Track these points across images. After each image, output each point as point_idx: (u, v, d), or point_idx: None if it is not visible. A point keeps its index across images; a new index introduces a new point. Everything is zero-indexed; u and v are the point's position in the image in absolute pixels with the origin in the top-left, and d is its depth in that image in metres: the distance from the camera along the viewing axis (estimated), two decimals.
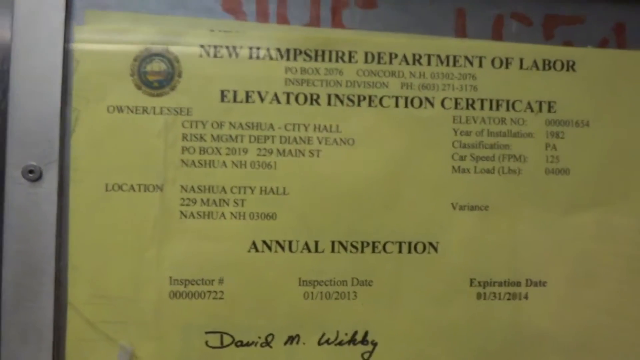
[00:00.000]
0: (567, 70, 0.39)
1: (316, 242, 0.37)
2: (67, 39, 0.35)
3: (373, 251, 0.37)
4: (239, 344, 0.36)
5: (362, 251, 0.37)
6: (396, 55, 0.38)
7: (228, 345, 0.36)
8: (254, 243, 0.36)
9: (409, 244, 0.37)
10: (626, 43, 0.40)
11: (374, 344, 0.37)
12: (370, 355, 0.37)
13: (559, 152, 0.39)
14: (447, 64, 0.38)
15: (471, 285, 0.38)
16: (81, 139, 0.35)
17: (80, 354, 0.35)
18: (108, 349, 0.35)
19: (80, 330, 0.35)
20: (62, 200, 0.35)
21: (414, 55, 0.38)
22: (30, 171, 0.35)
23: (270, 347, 0.36)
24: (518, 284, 0.38)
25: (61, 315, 0.35)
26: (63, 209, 0.35)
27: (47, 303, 0.35)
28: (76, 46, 0.35)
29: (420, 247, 0.38)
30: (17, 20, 0.35)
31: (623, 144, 0.39)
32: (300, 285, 0.37)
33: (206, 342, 0.36)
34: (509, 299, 0.38)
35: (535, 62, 0.39)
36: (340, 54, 0.37)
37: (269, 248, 0.36)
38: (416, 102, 0.38)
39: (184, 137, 0.36)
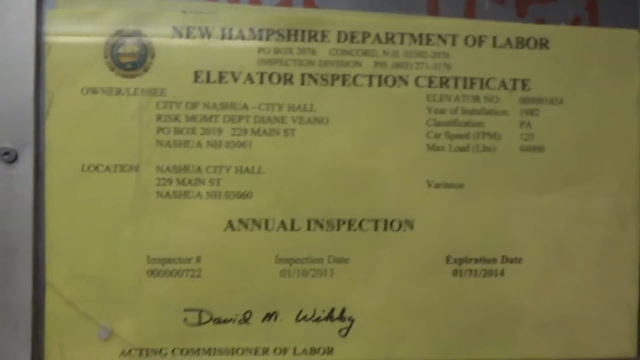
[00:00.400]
0: (541, 48, 0.39)
1: (292, 221, 0.37)
2: (39, 22, 0.36)
3: (349, 229, 0.38)
4: (217, 321, 0.37)
5: (338, 229, 0.37)
6: (369, 34, 0.38)
7: (206, 323, 0.37)
8: (230, 222, 0.37)
9: (385, 221, 0.38)
10: (599, 21, 0.40)
11: (352, 320, 0.37)
12: (347, 332, 0.37)
13: (534, 129, 0.39)
14: (420, 43, 0.38)
15: (447, 262, 0.38)
16: (56, 121, 0.36)
17: (60, 332, 0.36)
18: (87, 328, 0.36)
19: (59, 310, 0.36)
20: (39, 181, 0.36)
21: (387, 34, 0.38)
22: (6, 153, 0.35)
23: (248, 324, 0.37)
24: (494, 260, 0.39)
25: (40, 295, 0.36)
26: (39, 190, 0.36)
27: (25, 283, 0.35)
28: (48, 30, 0.36)
29: (396, 225, 0.38)
30: None
31: (596, 122, 0.39)
32: (277, 263, 0.37)
33: (184, 320, 0.36)
34: (484, 276, 0.38)
35: (508, 40, 0.39)
36: (312, 34, 0.38)
37: (245, 226, 0.37)
38: (390, 81, 0.38)
39: (159, 118, 0.36)
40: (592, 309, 0.39)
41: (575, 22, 0.40)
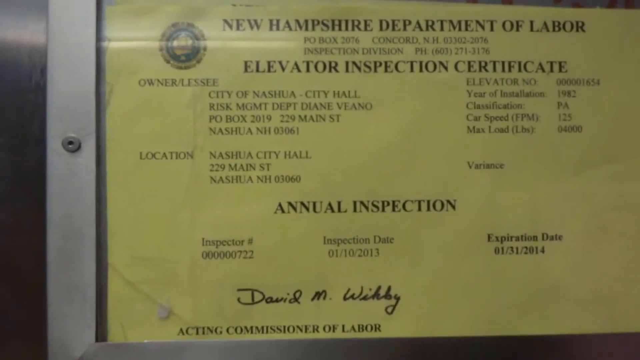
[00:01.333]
0: (577, 30, 0.40)
1: (339, 203, 0.39)
2: (99, 18, 0.38)
3: (393, 210, 0.39)
4: (269, 300, 0.38)
5: (383, 210, 0.39)
6: (410, 22, 0.39)
7: (259, 302, 0.38)
8: (280, 204, 0.38)
9: (428, 202, 0.39)
10: (634, 3, 0.41)
11: (397, 298, 0.39)
12: (393, 309, 0.39)
13: (571, 110, 0.40)
14: (460, 29, 0.40)
15: (489, 240, 0.39)
16: (116, 111, 0.38)
17: (122, 312, 0.38)
18: (147, 307, 0.38)
19: (120, 290, 0.38)
20: (100, 169, 0.38)
21: (427, 21, 0.39)
22: (70, 142, 0.37)
23: (299, 302, 0.38)
24: (535, 238, 0.40)
25: (102, 276, 0.38)
26: (101, 177, 0.38)
27: (89, 265, 0.37)
28: (108, 25, 0.38)
29: (438, 205, 0.39)
30: (53, 3, 0.37)
31: (633, 102, 0.40)
32: (325, 243, 0.39)
33: (238, 299, 0.38)
34: (526, 253, 0.40)
35: (545, 23, 0.40)
36: (356, 23, 0.39)
37: (295, 209, 0.38)
38: (430, 67, 0.39)
39: (211, 107, 0.38)
40: (632, 284, 0.40)
41: (611, 4, 0.41)
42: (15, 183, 0.38)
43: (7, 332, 0.38)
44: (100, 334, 0.38)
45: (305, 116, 0.39)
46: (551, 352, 0.39)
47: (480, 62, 0.40)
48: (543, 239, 0.40)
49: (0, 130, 0.38)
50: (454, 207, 0.39)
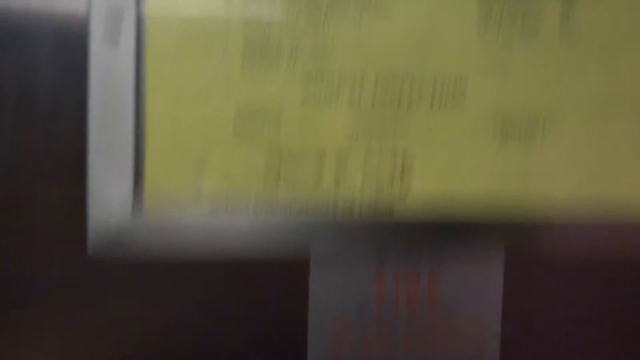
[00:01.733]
0: None
1: (359, 98, 0.42)
2: None
3: (408, 109, 0.43)
4: (293, 176, 0.42)
5: (399, 107, 0.43)
6: None
7: (283, 179, 0.42)
8: (304, 96, 0.42)
9: (440, 99, 0.43)
10: None
11: (410, 173, 0.43)
12: (407, 192, 0.43)
13: (573, 19, 0.44)
14: None
15: (494, 132, 0.44)
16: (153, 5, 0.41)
17: (158, 190, 0.41)
18: (182, 185, 0.41)
19: (157, 170, 0.41)
20: (140, 56, 0.40)
21: None
22: (111, 35, 0.40)
23: (320, 182, 0.42)
24: (536, 123, 0.44)
25: (140, 157, 0.40)
26: (140, 64, 0.40)
27: (127, 147, 0.40)
28: None
29: (449, 102, 0.43)
30: None
31: (630, 12, 0.45)
32: (344, 137, 0.43)
33: (265, 179, 0.42)
34: (527, 140, 0.44)
35: None
36: None
37: (317, 102, 0.42)
38: None
39: (243, 3, 0.41)
40: (623, 173, 0.45)
41: None
42: (59, 69, 0.41)
43: (52, 211, 0.41)
44: (137, 211, 0.41)
45: (330, 22, 0.42)
46: (546, 234, 0.43)
47: None
48: (543, 124, 0.44)
49: (46, 25, 0.40)
50: (463, 104, 0.43)
